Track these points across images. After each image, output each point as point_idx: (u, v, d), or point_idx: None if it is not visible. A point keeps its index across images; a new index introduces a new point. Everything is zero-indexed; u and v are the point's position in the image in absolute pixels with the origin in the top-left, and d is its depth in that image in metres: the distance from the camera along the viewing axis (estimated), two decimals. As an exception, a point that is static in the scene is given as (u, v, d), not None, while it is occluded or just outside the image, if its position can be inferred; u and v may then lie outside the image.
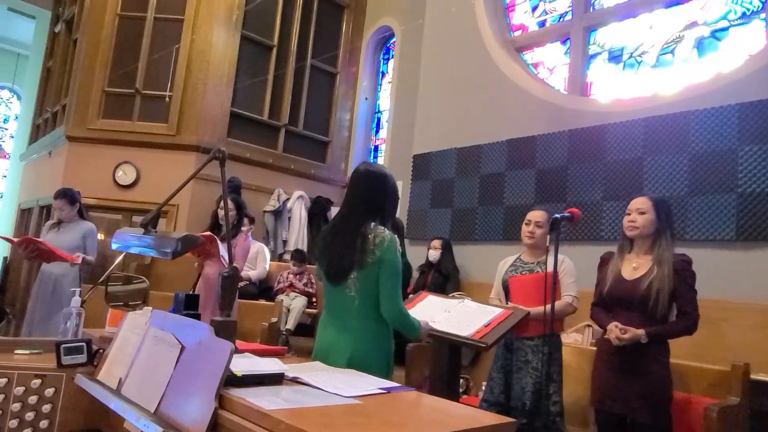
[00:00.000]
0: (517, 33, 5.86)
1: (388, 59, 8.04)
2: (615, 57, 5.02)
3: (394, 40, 7.66)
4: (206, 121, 6.40)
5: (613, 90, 4.95)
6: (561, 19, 5.52)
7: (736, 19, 4.29)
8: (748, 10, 4.23)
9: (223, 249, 3.22)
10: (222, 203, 3.94)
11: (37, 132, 8.27)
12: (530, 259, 2.93)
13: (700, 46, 4.47)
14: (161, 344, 1.52)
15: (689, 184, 3.99)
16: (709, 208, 3.86)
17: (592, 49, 5.21)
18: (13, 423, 1.66)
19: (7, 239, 4.33)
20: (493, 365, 2.88)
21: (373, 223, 2.02)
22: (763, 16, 4.14)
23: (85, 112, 6.37)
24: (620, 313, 2.40)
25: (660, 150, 4.18)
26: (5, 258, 7.84)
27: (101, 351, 1.80)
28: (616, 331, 2.32)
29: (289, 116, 7.18)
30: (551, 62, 5.53)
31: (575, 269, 2.84)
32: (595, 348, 3.07)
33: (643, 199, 2.46)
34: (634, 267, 2.43)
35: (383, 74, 8.11)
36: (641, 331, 2.28)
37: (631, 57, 4.91)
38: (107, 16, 6.49)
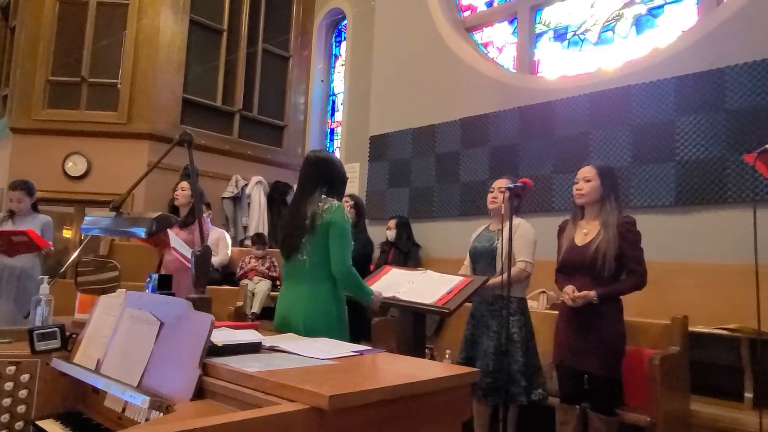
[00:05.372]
0: (467, 13, 5.97)
1: (340, 42, 8.02)
2: (560, 35, 5.21)
3: (345, 22, 7.65)
4: (158, 108, 6.27)
5: (559, 67, 5.14)
6: (508, -1, 5.66)
7: (671, -3, 4.53)
8: (681, -12, 4.48)
9: (173, 238, 3.19)
10: (177, 190, 3.91)
11: (-24, 125, 7.88)
12: (495, 228, 3.04)
13: (638, 23, 4.69)
14: (139, 323, 1.56)
15: (632, 155, 4.22)
16: (651, 176, 4.09)
17: (539, 28, 5.37)
18: (-9, 409, 1.67)
19: None
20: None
21: (323, 196, 2.23)
22: (694, -7, 4.39)
23: (28, 103, 6.13)
24: (576, 277, 2.56)
25: (604, 124, 4.39)
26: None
27: (74, 336, 1.83)
28: (569, 292, 2.50)
29: (243, 101, 7.11)
30: (500, 41, 5.67)
31: (533, 234, 2.97)
32: (551, 312, 3.27)
33: (588, 168, 2.64)
34: (585, 233, 2.60)
35: (336, 57, 8.09)
36: (592, 293, 2.45)
37: (574, 35, 5.10)
38: (47, 2, 6.22)
